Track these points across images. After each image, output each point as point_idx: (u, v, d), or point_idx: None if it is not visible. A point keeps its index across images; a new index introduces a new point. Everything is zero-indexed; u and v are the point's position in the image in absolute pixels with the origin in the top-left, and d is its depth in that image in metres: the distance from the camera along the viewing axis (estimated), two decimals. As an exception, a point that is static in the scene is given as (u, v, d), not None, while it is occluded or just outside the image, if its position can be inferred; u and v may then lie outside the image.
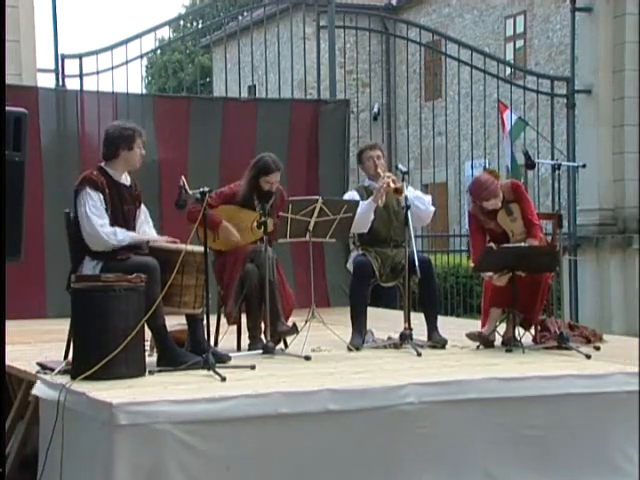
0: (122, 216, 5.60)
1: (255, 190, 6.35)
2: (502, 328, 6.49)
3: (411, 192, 6.51)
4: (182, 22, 28.29)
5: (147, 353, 5.47)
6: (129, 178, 5.75)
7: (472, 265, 6.48)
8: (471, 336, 6.40)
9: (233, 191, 6.45)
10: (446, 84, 13.59)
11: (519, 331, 6.36)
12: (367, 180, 6.81)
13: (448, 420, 4.90)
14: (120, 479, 4.29)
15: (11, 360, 5.35)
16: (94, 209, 5.47)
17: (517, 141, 12.01)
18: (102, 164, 5.65)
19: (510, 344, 6.24)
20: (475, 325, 6.69)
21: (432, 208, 6.67)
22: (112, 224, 5.52)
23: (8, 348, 4.72)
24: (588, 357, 5.88)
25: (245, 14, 12.60)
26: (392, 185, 6.37)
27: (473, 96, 12.18)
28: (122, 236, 5.50)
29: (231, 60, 11.15)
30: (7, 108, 4.63)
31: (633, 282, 11.76)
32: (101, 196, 5.51)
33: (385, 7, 22.60)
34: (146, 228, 5.80)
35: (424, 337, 6.45)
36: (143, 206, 5.84)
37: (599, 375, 5.30)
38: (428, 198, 6.68)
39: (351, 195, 6.75)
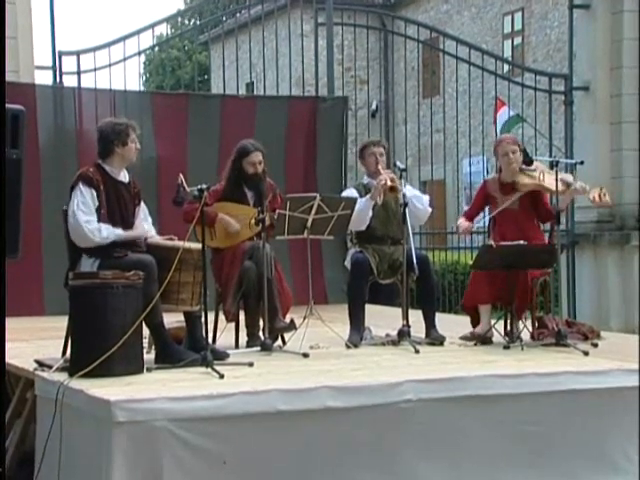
0: (119, 213, 5.59)
1: (241, 177, 6.36)
2: (500, 325, 6.49)
3: (409, 191, 6.51)
4: (180, 19, 28.26)
5: (145, 350, 5.47)
6: (127, 175, 5.74)
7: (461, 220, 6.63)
8: (465, 338, 6.40)
9: (223, 187, 6.46)
10: (444, 81, 13.56)
11: (517, 327, 6.37)
12: (366, 177, 6.81)
13: (446, 417, 4.90)
14: (118, 476, 4.29)
15: (9, 357, 5.33)
16: (82, 205, 5.47)
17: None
18: (99, 161, 5.64)
19: (509, 339, 6.25)
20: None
21: (429, 208, 6.68)
22: (109, 221, 5.51)
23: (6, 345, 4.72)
24: (586, 354, 5.88)
25: (243, 11, 12.58)
26: (389, 183, 6.37)
27: (471, 93, 12.18)
28: (106, 233, 5.48)
29: (229, 57, 11.13)
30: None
31: (631, 279, 11.76)
32: (94, 193, 5.50)
33: (383, 4, 22.59)
34: (145, 226, 5.79)
35: (422, 334, 6.46)
36: (143, 204, 5.83)
37: (597, 372, 5.31)
38: (426, 198, 6.68)
39: (349, 193, 6.74)
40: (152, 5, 56.54)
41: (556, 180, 6.35)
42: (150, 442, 4.35)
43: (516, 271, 6.25)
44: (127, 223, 5.63)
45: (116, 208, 5.59)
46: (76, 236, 5.50)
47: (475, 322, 6.48)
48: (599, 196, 6.40)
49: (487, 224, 6.83)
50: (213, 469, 4.46)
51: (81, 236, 5.47)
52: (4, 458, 4.86)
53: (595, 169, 11.89)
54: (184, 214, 5.97)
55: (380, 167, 6.58)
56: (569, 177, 6.60)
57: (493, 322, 6.42)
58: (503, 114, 12.68)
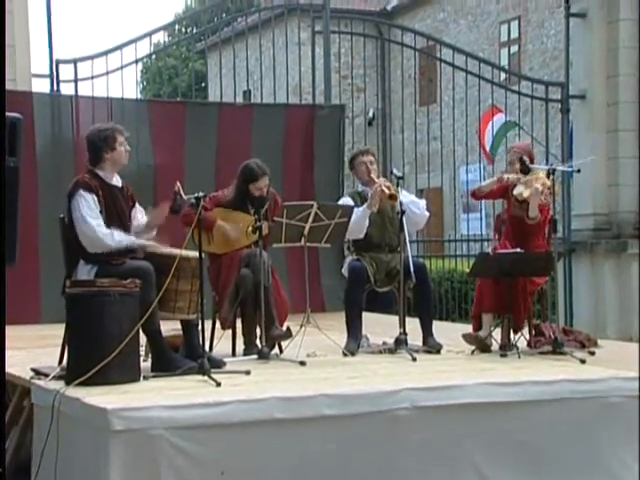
0: (117, 217, 5.59)
1: (247, 197, 6.38)
2: (497, 333, 6.49)
3: (406, 196, 6.52)
4: (177, 27, 28.28)
5: (142, 358, 5.47)
6: (120, 181, 5.74)
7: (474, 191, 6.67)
8: (467, 338, 6.41)
9: (225, 195, 6.47)
10: (441, 89, 13.57)
11: (514, 336, 6.37)
12: (360, 186, 6.82)
13: (443, 425, 4.90)
14: (115, 485, 4.28)
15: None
16: (89, 210, 5.46)
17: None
18: (92, 168, 5.64)
19: (505, 349, 6.25)
20: (469, 330, 6.68)
21: (427, 213, 6.69)
22: (107, 225, 5.51)
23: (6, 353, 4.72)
24: (583, 362, 5.89)
25: (240, 19, 12.59)
26: (386, 191, 6.38)
27: (468, 101, 12.21)
28: (119, 237, 5.49)
29: (226, 65, 11.14)
30: (2, 113, 4.62)
31: (627, 287, 11.77)
32: (95, 197, 5.50)
33: (380, 12, 22.61)
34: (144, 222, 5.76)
35: (419, 342, 6.46)
36: (138, 205, 5.83)
37: (593, 380, 5.31)
38: (423, 202, 6.69)
39: (345, 201, 6.75)
40: (149, 13, 56.61)
41: (553, 188, 6.36)
42: (147, 450, 4.34)
43: (517, 281, 6.25)
44: (124, 227, 5.62)
45: (114, 213, 5.59)
46: (89, 241, 5.47)
47: (477, 329, 6.48)
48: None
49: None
50: (210, 477, 4.44)
51: (95, 241, 5.45)
52: (4, 458, 4.86)
53: (592, 177, 11.92)
54: (183, 216, 5.97)
55: (373, 175, 6.59)
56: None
57: (492, 329, 6.42)
58: (498, 120, 12.72)
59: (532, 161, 6.61)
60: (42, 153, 9.43)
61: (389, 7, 23.33)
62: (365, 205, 6.50)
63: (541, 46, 19.66)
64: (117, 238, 5.48)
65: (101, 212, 5.51)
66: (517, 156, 6.50)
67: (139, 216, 5.78)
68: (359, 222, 6.42)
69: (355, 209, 6.42)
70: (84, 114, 9.57)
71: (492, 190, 6.62)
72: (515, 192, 6.40)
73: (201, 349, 5.44)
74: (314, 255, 9.36)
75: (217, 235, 6.32)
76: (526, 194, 6.32)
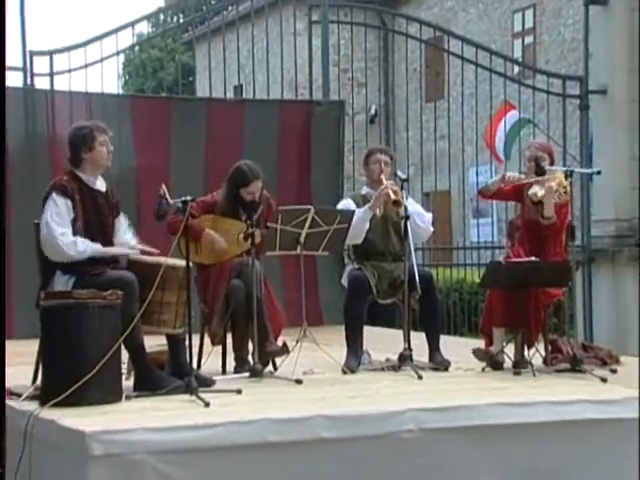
0: (98, 224, 5.59)
1: (238, 202, 6.39)
2: (510, 349, 6.50)
3: (411, 205, 6.54)
4: (162, 16, 28.33)
5: (124, 376, 5.47)
6: (105, 184, 5.74)
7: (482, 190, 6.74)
8: (478, 353, 6.41)
9: (215, 200, 6.50)
10: (449, 84, 13.61)
11: (528, 352, 6.38)
12: (365, 187, 6.84)
13: (451, 449, 4.91)
14: (94, 514, 4.28)
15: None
16: (56, 216, 5.46)
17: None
18: (72, 169, 5.65)
19: (519, 366, 6.26)
20: (480, 345, 6.69)
21: (431, 228, 6.72)
22: (86, 233, 5.50)
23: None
24: (603, 381, 5.90)
25: (230, 7, 12.62)
26: (392, 196, 6.39)
27: (478, 97, 12.23)
28: (83, 247, 5.46)
29: (215, 58, 11.16)
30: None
31: (652, 299, 11.76)
32: (69, 203, 5.50)
33: (382, 0, 22.67)
34: (127, 238, 5.78)
35: (425, 358, 6.47)
36: (122, 216, 5.83)
37: (615, 400, 5.32)
38: (429, 216, 6.71)
39: (346, 204, 6.76)
40: (132, 2, 56.69)
41: (571, 192, 6.38)
42: (129, 477, 4.34)
43: (530, 292, 6.25)
44: (106, 234, 5.62)
45: (94, 219, 5.59)
46: (50, 250, 5.49)
47: (489, 345, 6.49)
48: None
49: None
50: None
51: (55, 250, 5.46)
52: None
53: (613, 179, 11.93)
54: (168, 225, 5.99)
55: (383, 177, 6.61)
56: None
57: (504, 345, 6.43)
58: (511, 118, 12.75)
59: (552, 161, 6.63)
60: (14, 152, 9.41)
61: (393, -6, 23.39)
62: (367, 206, 6.52)
63: (558, 37, 19.71)
64: (80, 248, 5.45)
65: (74, 220, 5.48)
66: (534, 154, 6.52)
67: (122, 228, 5.75)
68: (359, 224, 6.43)
69: (356, 210, 6.44)
70: (60, 110, 9.59)
71: (504, 190, 6.64)
72: (530, 192, 6.43)
73: (188, 366, 5.45)
74: (311, 264, 9.38)
75: (205, 243, 6.34)
76: (540, 194, 6.35)
